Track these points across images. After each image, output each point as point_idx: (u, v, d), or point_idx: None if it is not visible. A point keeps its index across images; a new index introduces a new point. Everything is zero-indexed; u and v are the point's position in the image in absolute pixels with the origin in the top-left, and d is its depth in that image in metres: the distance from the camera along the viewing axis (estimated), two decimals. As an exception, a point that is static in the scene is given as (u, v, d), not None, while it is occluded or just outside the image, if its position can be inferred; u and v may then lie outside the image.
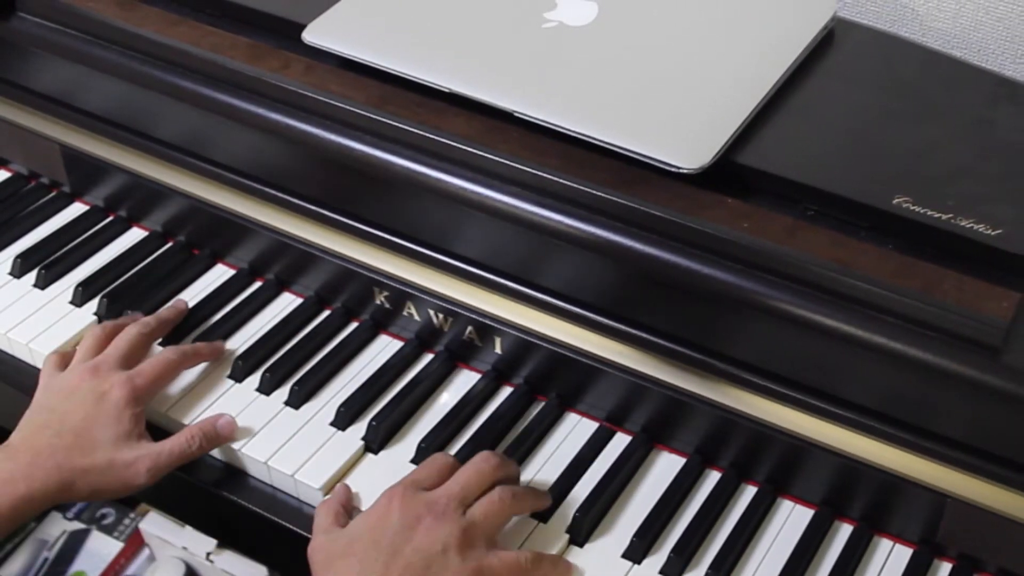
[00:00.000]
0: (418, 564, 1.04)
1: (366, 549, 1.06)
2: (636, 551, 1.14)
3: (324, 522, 1.13)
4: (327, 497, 1.18)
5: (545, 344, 1.24)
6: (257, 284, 1.42)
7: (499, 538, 1.12)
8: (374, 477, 1.21)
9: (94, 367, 1.24)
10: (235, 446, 1.23)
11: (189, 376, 1.31)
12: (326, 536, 1.10)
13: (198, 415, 1.27)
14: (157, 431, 1.25)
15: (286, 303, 1.40)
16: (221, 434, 1.23)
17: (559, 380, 1.26)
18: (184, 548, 1.56)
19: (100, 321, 1.37)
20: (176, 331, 1.36)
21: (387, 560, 1.04)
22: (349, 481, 1.20)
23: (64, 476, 1.16)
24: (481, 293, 1.26)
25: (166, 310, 1.35)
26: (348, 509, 1.17)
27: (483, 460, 1.14)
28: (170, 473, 1.22)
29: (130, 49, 1.38)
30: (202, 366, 1.32)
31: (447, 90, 1.23)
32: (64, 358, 1.28)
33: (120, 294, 1.40)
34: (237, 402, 1.28)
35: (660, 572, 1.13)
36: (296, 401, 1.28)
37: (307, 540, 1.20)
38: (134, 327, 1.30)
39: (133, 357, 1.27)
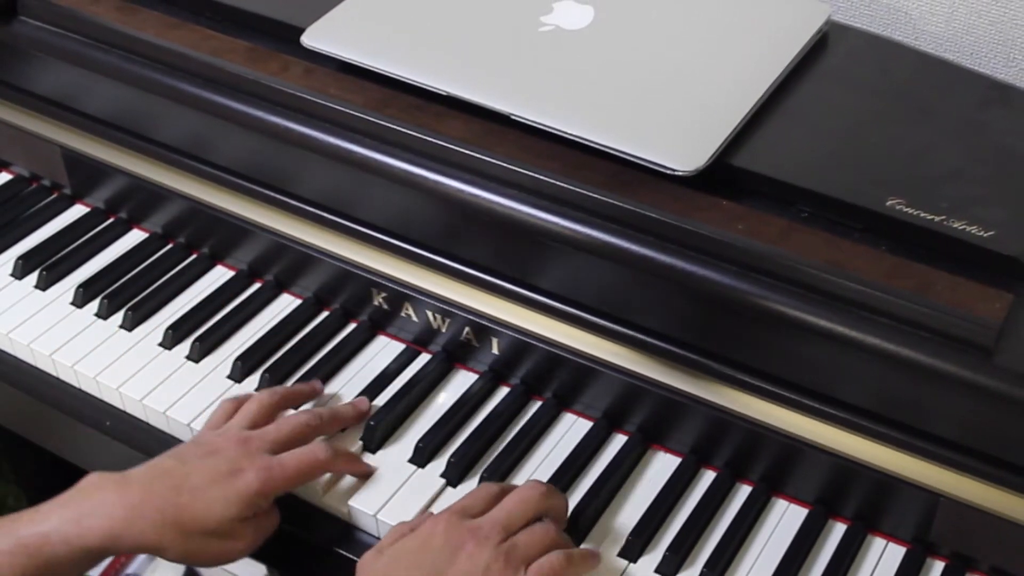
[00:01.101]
0: None
1: (408, 570, 1.04)
2: (632, 550, 1.14)
3: (384, 540, 1.10)
4: (402, 521, 1.13)
5: (541, 345, 1.24)
6: (256, 285, 1.42)
7: None
8: (372, 476, 1.21)
9: (246, 439, 1.15)
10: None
11: (190, 378, 1.31)
12: (374, 554, 1.07)
13: (196, 416, 1.27)
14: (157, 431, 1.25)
15: (285, 304, 1.40)
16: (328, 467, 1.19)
17: (555, 380, 1.26)
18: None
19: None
20: (176, 331, 1.36)
21: None
22: (347, 480, 1.20)
23: (164, 533, 1.09)
24: (478, 294, 1.26)
25: (347, 407, 1.26)
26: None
27: (530, 488, 1.11)
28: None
29: (130, 53, 1.38)
30: (203, 365, 1.31)
31: (445, 93, 1.23)
32: (229, 416, 1.21)
33: (120, 295, 1.40)
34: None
35: (656, 571, 1.13)
36: (295, 401, 1.28)
37: (305, 539, 1.20)
38: (306, 416, 1.21)
39: (289, 445, 1.17)
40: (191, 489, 1.10)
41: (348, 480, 1.20)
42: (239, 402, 1.23)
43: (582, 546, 1.15)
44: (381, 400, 1.28)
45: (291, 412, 1.25)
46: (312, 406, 1.27)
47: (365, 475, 1.21)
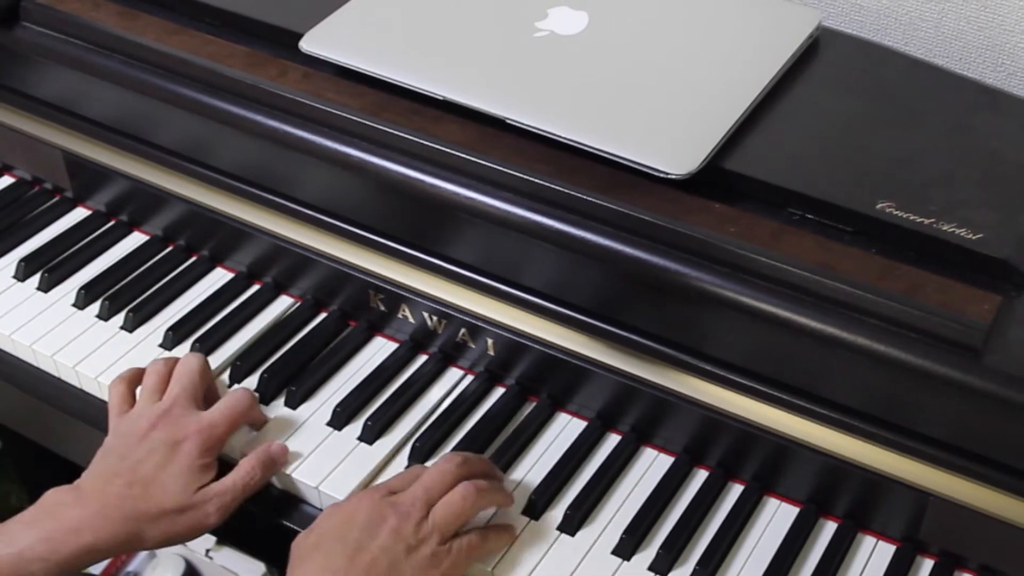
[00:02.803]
0: (382, 562, 1.05)
1: (332, 545, 1.07)
2: (626, 548, 1.14)
3: (317, 519, 1.12)
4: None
5: (536, 346, 1.24)
6: (255, 287, 1.41)
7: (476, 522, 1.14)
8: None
9: (165, 412, 1.19)
10: (234, 444, 1.23)
11: (189, 377, 1.30)
12: (306, 533, 1.10)
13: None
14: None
15: (284, 306, 1.39)
16: (277, 461, 1.20)
17: (550, 381, 1.26)
18: (184, 545, 1.56)
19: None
20: (176, 332, 1.35)
21: (351, 552, 1.05)
22: (346, 480, 1.20)
23: (133, 527, 1.12)
24: (474, 296, 1.26)
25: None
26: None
27: (447, 461, 1.15)
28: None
29: (131, 58, 1.38)
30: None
31: (441, 98, 1.23)
32: (128, 397, 1.24)
33: (121, 297, 1.39)
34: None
35: (649, 568, 1.13)
36: (293, 402, 1.28)
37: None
38: (192, 359, 1.25)
39: (199, 392, 1.23)
40: (142, 480, 1.14)
41: (348, 482, 1.20)
42: (131, 380, 1.26)
43: (575, 543, 1.15)
44: (379, 400, 1.28)
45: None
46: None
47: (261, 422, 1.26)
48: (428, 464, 1.19)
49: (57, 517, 1.12)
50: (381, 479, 1.20)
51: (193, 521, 1.14)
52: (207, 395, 1.25)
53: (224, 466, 1.19)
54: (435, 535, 1.08)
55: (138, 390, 1.25)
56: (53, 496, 1.14)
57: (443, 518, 1.09)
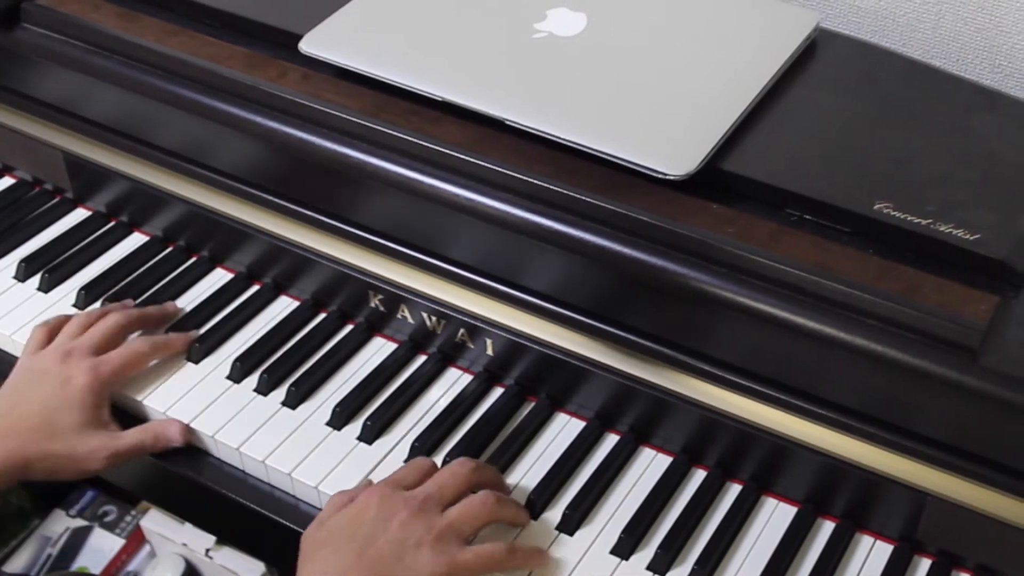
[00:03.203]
0: (389, 555, 1.05)
1: (341, 539, 1.07)
2: (624, 547, 1.14)
3: (323, 511, 1.13)
4: (340, 491, 1.16)
5: (535, 346, 1.24)
6: (255, 288, 1.41)
7: (487, 536, 1.13)
8: (368, 473, 1.21)
9: (66, 352, 1.25)
10: (233, 444, 1.23)
11: (190, 379, 1.30)
12: (316, 526, 1.11)
13: (196, 415, 1.26)
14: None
15: (283, 306, 1.39)
16: (171, 438, 1.24)
17: (549, 381, 1.26)
18: (184, 544, 1.56)
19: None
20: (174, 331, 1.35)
21: (360, 549, 1.05)
22: (345, 480, 1.20)
23: (24, 457, 1.18)
24: (473, 296, 1.26)
25: (154, 307, 1.36)
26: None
27: (460, 464, 1.15)
28: (170, 471, 1.22)
29: (131, 59, 1.38)
30: (202, 366, 1.31)
31: (440, 99, 1.23)
32: (48, 337, 1.30)
33: (121, 297, 1.39)
34: (235, 402, 1.28)
35: (647, 568, 1.13)
36: (293, 401, 1.28)
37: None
38: (113, 316, 1.30)
39: (106, 345, 1.27)
40: (36, 413, 1.21)
41: (346, 480, 1.20)
42: (52, 328, 1.31)
43: (574, 542, 1.15)
44: (379, 400, 1.28)
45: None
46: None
47: (190, 343, 1.33)
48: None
49: None
50: (380, 478, 1.20)
51: (79, 461, 1.20)
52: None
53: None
54: (449, 533, 1.08)
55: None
56: None
57: (460, 519, 1.09)
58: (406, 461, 1.22)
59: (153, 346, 1.29)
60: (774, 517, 1.17)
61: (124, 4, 1.44)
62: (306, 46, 1.30)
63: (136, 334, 1.33)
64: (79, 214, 1.53)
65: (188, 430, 1.25)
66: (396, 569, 1.05)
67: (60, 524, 1.70)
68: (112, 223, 1.51)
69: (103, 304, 1.38)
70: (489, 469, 1.18)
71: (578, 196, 1.15)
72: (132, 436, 1.22)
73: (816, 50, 1.32)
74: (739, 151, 1.18)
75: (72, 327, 1.30)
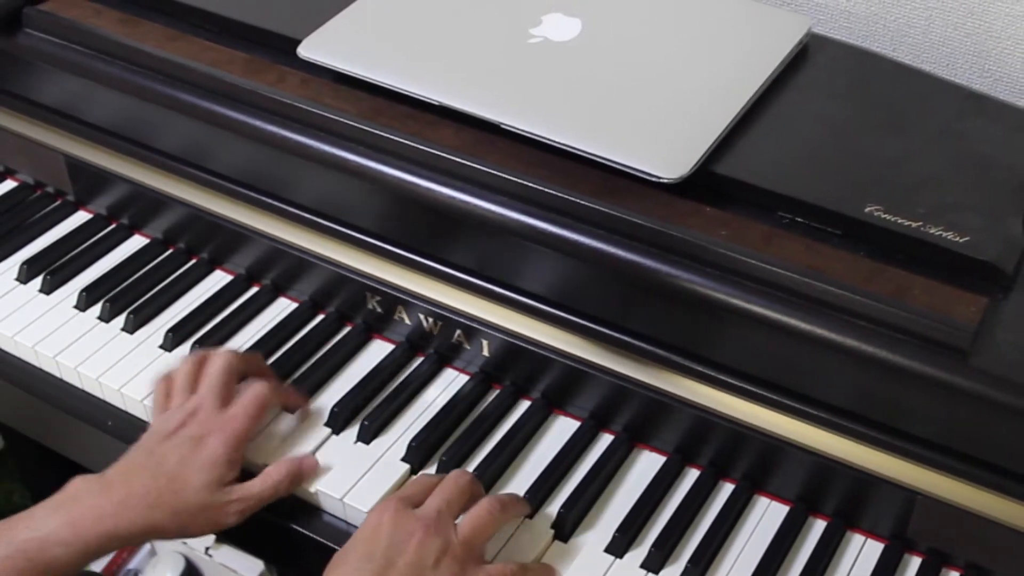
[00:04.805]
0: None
1: (359, 561, 1.05)
2: (618, 546, 1.14)
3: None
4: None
5: (531, 347, 1.23)
6: (254, 289, 1.41)
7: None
8: (365, 473, 1.21)
9: (194, 410, 1.19)
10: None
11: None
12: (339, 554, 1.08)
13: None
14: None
15: (282, 308, 1.39)
16: (306, 475, 1.20)
17: (544, 382, 1.26)
18: (183, 543, 1.56)
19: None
20: (176, 334, 1.35)
21: (380, 571, 1.03)
22: (343, 478, 1.20)
23: (154, 517, 1.12)
24: (469, 298, 1.25)
25: (253, 353, 1.30)
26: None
27: (460, 475, 1.14)
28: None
29: (132, 64, 1.38)
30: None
31: (437, 103, 1.23)
32: (167, 399, 1.24)
33: (122, 299, 1.39)
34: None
35: (641, 566, 1.13)
36: (291, 402, 1.28)
37: (302, 536, 1.20)
38: (218, 359, 1.24)
39: (227, 392, 1.22)
40: (167, 473, 1.14)
41: (345, 479, 1.20)
42: (170, 381, 1.25)
43: (569, 541, 1.15)
44: (376, 400, 1.28)
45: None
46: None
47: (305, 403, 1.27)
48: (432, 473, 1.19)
49: (82, 503, 1.12)
50: (378, 478, 1.19)
51: (213, 519, 1.15)
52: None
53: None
54: (465, 552, 1.06)
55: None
56: (79, 483, 1.14)
57: (471, 531, 1.08)
58: (403, 460, 1.22)
59: (274, 392, 1.24)
60: (766, 516, 1.17)
61: (125, 9, 1.44)
62: (304, 51, 1.30)
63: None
64: (80, 217, 1.52)
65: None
66: None
67: (62, 523, 1.70)
68: (113, 225, 1.50)
69: (192, 347, 1.35)
70: (479, 483, 1.16)
71: (573, 199, 1.15)
72: (266, 485, 1.17)
73: (808, 55, 1.32)
74: (732, 155, 1.18)
75: (182, 381, 1.23)
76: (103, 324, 1.38)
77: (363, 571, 1.03)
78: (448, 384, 1.30)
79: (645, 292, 1.14)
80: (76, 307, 1.40)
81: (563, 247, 1.16)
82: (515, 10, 1.33)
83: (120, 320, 1.38)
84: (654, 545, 1.14)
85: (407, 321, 1.31)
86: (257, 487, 1.16)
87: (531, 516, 1.17)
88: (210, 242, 1.43)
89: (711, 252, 1.10)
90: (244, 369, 1.26)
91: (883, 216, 1.10)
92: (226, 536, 1.50)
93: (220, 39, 1.38)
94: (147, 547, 1.67)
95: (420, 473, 1.21)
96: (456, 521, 1.09)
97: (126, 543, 1.14)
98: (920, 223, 1.09)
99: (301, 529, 1.20)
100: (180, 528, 1.15)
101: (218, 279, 1.43)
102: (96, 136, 1.45)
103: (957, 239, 1.08)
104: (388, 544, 1.05)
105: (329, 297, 1.36)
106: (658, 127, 1.18)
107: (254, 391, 1.21)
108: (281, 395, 1.26)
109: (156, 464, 1.15)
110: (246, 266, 1.41)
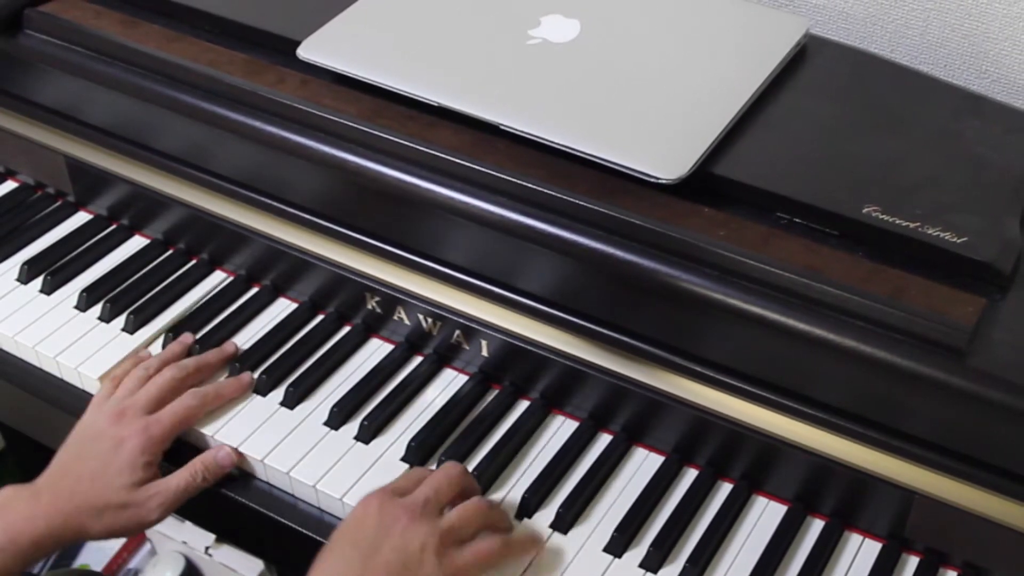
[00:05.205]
0: (396, 562, 1.04)
1: (345, 548, 1.07)
2: (617, 545, 1.14)
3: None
4: None
5: (530, 347, 1.23)
6: (254, 290, 1.41)
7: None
8: (365, 472, 1.21)
9: (120, 412, 1.23)
10: (232, 444, 1.23)
11: (188, 378, 1.30)
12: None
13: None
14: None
15: (281, 308, 1.39)
16: (222, 465, 1.22)
17: (543, 382, 1.26)
18: (184, 543, 1.56)
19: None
20: (175, 335, 1.35)
21: (365, 557, 1.05)
22: (342, 477, 1.20)
23: (81, 518, 1.17)
24: (468, 298, 1.25)
25: (213, 352, 1.32)
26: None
27: (451, 467, 1.15)
28: (170, 471, 1.22)
29: (132, 65, 1.37)
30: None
31: (436, 104, 1.23)
32: (114, 389, 1.27)
33: (122, 299, 1.39)
34: (234, 402, 1.28)
35: (640, 565, 1.13)
36: (291, 402, 1.28)
37: (302, 535, 1.20)
38: (169, 371, 1.27)
39: (161, 401, 1.24)
40: (89, 475, 1.19)
41: (344, 478, 1.20)
42: (122, 374, 1.29)
43: (567, 540, 1.15)
44: (375, 400, 1.28)
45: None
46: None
47: (246, 388, 1.30)
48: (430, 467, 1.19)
49: (13, 509, 1.17)
50: (377, 478, 1.19)
51: (135, 516, 1.19)
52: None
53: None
54: (449, 538, 1.08)
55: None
56: (9, 491, 1.19)
57: (460, 522, 1.09)
58: (402, 460, 1.22)
59: (203, 400, 1.25)
60: (764, 515, 1.17)
61: (125, 11, 1.44)
62: (304, 52, 1.30)
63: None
64: (81, 217, 1.52)
65: (237, 452, 1.24)
66: (401, 574, 1.04)
67: (62, 522, 1.70)
68: (113, 226, 1.50)
69: (166, 338, 1.36)
70: (471, 477, 1.18)
71: (572, 200, 1.15)
72: (181, 477, 1.21)
73: (806, 56, 1.32)
74: (730, 155, 1.18)
75: (131, 382, 1.27)
76: (103, 324, 1.38)
77: (350, 557, 1.05)
78: (447, 384, 1.30)
79: (643, 292, 1.14)
80: (76, 307, 1.40)
81: (562, 248, 1.16)
82: (514, 11, 1.33)
83: (120, 320, 1.38)
84: (652, 544, 1.13)
85: (406, 321, 1.31)
86: (174, 482, 1.20)
87: (530, 516, 1.17)
88: (210, 243, 1.43)
89: (709, 252, 1.10)
90: (197, 378, 1.30)
91: (881, 217, 1.10)
92: (226, 536, 1.51)
93: (220, 40, 1.38)
94: (147, 547, 1.67)
95: (413, 468, 1.21)
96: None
97: (59, 545, 1.19)
98: (918, 224, 1.09)
99: (301, 528, 1.20)
100: (106, 527, 1.19)
101: (218, 280, 1.43)
102: (96, 137, 1.45)
103: (955, 240, 1.08)
104: (374, 531, 1.07)
105: (329, 297, 1.36)
106: (657, 128, 1.18)
107: (184, 398, 1.25)
108: (212, 400, 1.27)
109: (81, 466, 1.20)
110: (246, 267, 1.41)
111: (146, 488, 1.19)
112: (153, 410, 1.23)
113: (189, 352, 1.33)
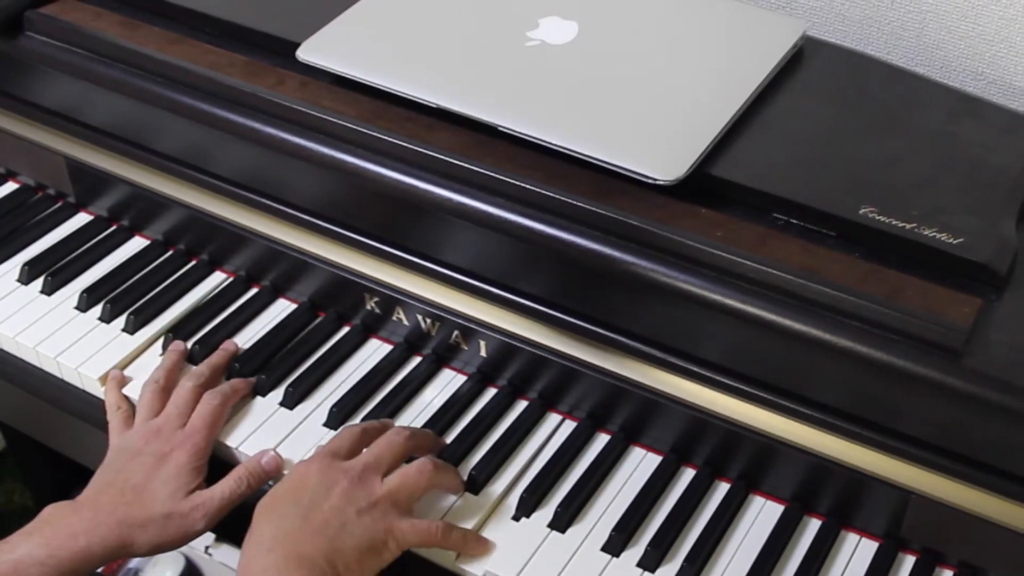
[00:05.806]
0: (333, 521, 1.07)
1: (286, 506, 1.09)
2: (615, 544, 1.14)
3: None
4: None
5: (528, 348, 1.23)
6: (253, 290, 1.41)
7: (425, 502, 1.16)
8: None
9: (155, 431, 1.22)
10: (231, 444, 1.23)
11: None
12: (266, 495, 1.12)
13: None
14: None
15: (281, 308, 1.39)
16: (268, 471, 1.21)
17: (541, 382, 1.26)
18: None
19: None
20: (176, 335, 1.35)
21: (304, 513, 1.08)
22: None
23: (124, 532, 1.15)
24: (467, 299, 1.25)
25: (217, 355, 1.32)
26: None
27: (395, 432, 1.18)
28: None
29: (132, 66, 1.37)
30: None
31: (435, 105, 1.23)
32: (130, 415, 1.27)
33: (123, 300, 1.39)
34: (234, 403, 1.28)
35: (637, 565, 1.13)
36: (290, 402, 1.28)
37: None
38: (188, 381, 1.26)
39: (190, 411, 1.24)
40: (132, 489, 1.17)
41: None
42: (132, 412, 1.28)
43: (565, 539, 1.15)
44: (374, 400, 1.28)
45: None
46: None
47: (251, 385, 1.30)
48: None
49: (54, 524, 1.15)
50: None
51: (180, 527, 1.17)
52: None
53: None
54: (387, 501, 1.10)
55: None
56: (51, 509, 1.18)
57: (398, 487, 1.12)
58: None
59: (224, 398, 1.25)
60: (761, 515, 1.17)
61: (126, 13, 1.44)
62: (303, 54, 1.30)
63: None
64: (81, 218, 1.52)
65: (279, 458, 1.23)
66: (338, 533, 1.07)
67: (63, 522, 1.70)
68: (113, 227, 1.50)
69: (166, 338, 1.35)
70: (425, 435, 1.21)
71: (569, 201, 1.15)
72: (226, 485, 1.19)
73: (803, 58, 1.32)
74: (727, 156, 1.18)
75: (147, 399, 1.26)
76: (104, 325, 1.38)
77: (289, 515, 1.08)
78: (446, 384, 1.30)
79: (641, 293, 1.14)
80: (77, 308, 1.40)
81: (559, 248, 1.16)
82: (512, 13, 1.33)
83: (120, 321, 1.37)
84: (650, 544, 1.13)
85: (405, 322, 1.31)
86: (219, 489, 1.19)
87: (528, 515, 1.17)
88: (210, 243, 1.43)
89: (706, 253, 1.10)
90: (214, 383, 1.29)
91: (877, 218, 1.10)
92: (226, 535, 1.51)
93: (220, 42, 1.38)
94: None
95: (347, 424, 1.23)
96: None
97: (101, 561, 1.16)
98: (914, 224, 1.09)
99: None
100: (151, 540, 1.17)
101: (218, 280, 1.43)
102: (97, 138, 1.44)
103: (951, 240, 1.08)
104: (313, 492, 1.10)
105: (328, 298, 1.36)
106: (654, 129, 1.18)
107: (206, 403, 1.24)
108: (231, 398, 1.27)
109: (123, 480, 1.18)
110: (246, 267, 1.41)
111: (190, 498, 1.17)
112: (185, 422, 1.23)
113: (190, 355, 1.33)
